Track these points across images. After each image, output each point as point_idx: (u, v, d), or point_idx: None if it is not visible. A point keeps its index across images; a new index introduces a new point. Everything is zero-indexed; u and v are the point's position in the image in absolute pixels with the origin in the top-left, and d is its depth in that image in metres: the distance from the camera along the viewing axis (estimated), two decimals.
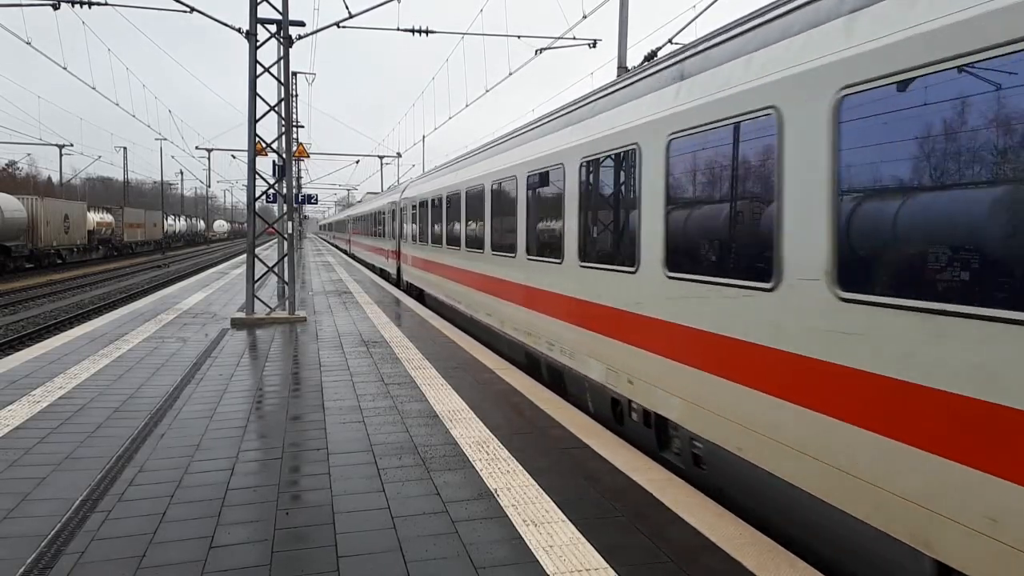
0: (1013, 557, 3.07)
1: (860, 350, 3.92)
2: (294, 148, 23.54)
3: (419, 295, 20.33)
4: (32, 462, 5.95)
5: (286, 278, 16.19)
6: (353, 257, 46.00)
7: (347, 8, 15.95)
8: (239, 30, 14.87)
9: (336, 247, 66.33)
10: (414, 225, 20.20)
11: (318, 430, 6.92)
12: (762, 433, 4.70)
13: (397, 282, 25.13)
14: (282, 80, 15.54)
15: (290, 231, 16.36)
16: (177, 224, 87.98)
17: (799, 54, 4.49)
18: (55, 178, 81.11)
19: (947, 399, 3.40)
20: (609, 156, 7.19)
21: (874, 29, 3.87)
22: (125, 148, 79.24)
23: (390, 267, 27.44)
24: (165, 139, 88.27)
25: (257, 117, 14.96)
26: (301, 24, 16.15)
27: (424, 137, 46.73)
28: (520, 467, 5.84)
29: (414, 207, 20.12)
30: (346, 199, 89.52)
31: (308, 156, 34.92)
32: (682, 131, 5.77)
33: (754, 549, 4.34)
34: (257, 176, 15.20)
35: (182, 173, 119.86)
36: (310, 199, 23.78)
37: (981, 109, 3.30)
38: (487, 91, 21.71)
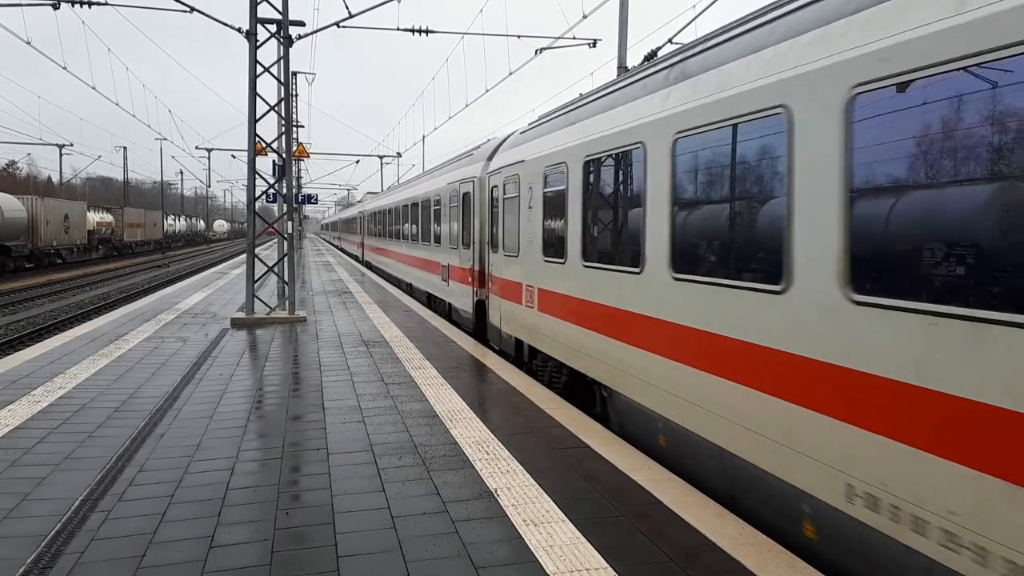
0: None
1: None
2: (294, 148, 23.52)
3: (572, 385, 8.86)
4: (32, 462, 5.95)
5: (286, 278, 16.19)
6: (370, 267, 34.36)
7: (347, 8, 15.95)
8: (239, 30, 14.88)
9: (342, 251, 54.18)
10: (558, 222, 8.85)
11: (318, 430, 6.92)
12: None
13: (477, 328, 13.37)
14: (282, 80, 15.55)
15: (290, 231, 16.36)
16: (177, 224, 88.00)
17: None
18: (55, 178, 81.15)
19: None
20: None
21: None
22: (125, 148, 79.36)
23: (456, 298, 14.96)
24: (165, 139, 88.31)
25: (257, 117, 14.96)
26: (301, 24, 16.15)
27: (424, 137, 46.81)
28: (520, 467, 5.84)
29: (557, 177, 8.85)
30: (346, 199, 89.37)
31: (308, 156, 34.93)
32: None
33: (754, 549, 4.34)
34: (257, 176, 15.21)
35: (182, 173, 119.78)
36: (310, 199, 23.77)
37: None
38: (487, 91, 21.72)
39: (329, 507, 5.00)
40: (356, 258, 42.57)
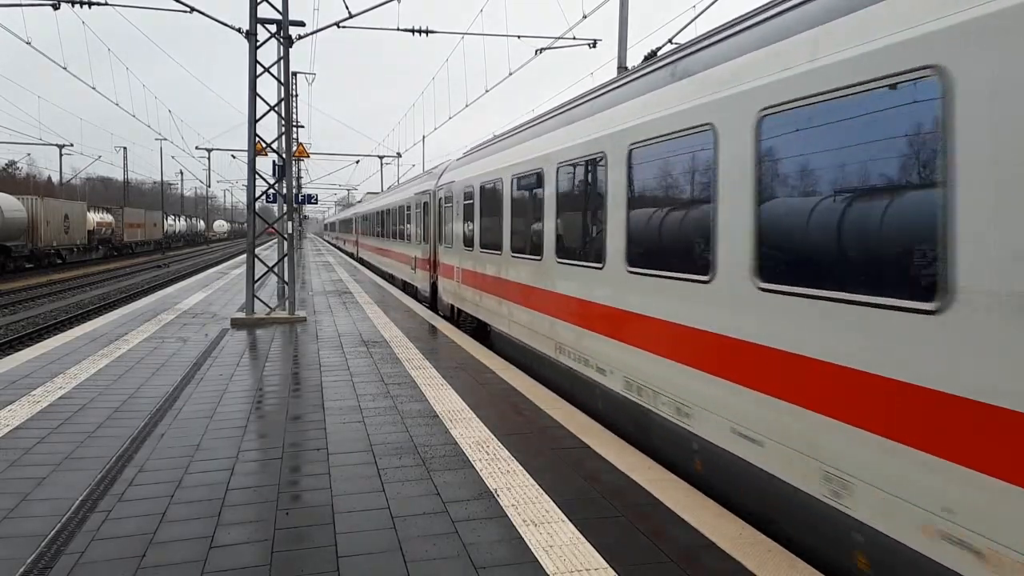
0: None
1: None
2: (294, 148, 23.52)
3: None
4: (32, 462, 5.95)
5: (286, 278, 16.19)
6: (482, 336, 13.26)
7: (347, 8, 15.95)
8: (239, 30, 14.88)
9: (367, 267, 36.06)
10: None
11: (318, 430, 6.92)
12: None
13: None
14: (282, 80, 15.55)
15: (290, 231, 16.36)
16: (177, 224, 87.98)
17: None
18: (55, 178, 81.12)
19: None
20: None
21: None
22: (125, 148, 79.32)
23: None
24: (165, 139, 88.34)
25: (257, 117, 14.96)
26: (301, 24, 16.15)
27: (424, 137, 46.75)
28: (520, 467, 5.84)
29: None
30: (346, 199, 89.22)
31: (308, 156, 34.92)
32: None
33: (754, 549, 4.34)
34: (257, 176, 15.20)
35: (182, 173, 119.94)
36: (310, 199, 23.78)
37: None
38: (487, 91, 21.72)
39: (329, 507, 5.00)
40: (407, 288, 22.56)
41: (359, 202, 55.85)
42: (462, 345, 11.86)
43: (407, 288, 22.45)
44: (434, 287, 17.64)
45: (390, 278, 27.06)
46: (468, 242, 13.31)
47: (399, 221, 23.94)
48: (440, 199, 16.41)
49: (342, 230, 63.20)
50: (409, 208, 21.50)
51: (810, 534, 4.39)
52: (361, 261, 41.44)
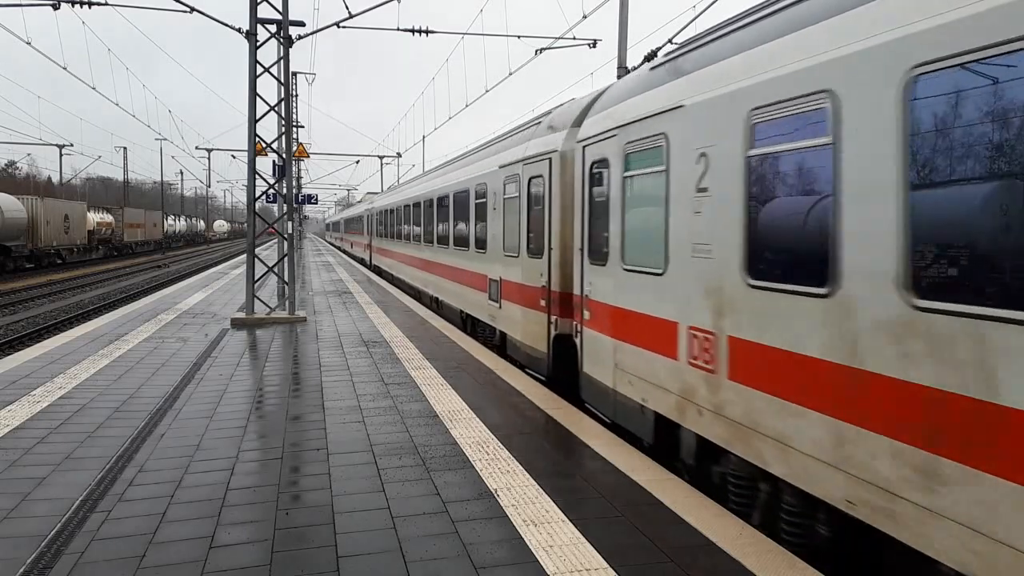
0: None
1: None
2: (294, 148, 23.50)
3: None
4: (32, 462, 5.95)
5: (286, 278, 16.19)
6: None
7: (347, 8, 15.94)
8: (239, 30, 14.88)
9: (371, 269, 33.02)
10: None
11: (318, 430, 6.92)
12: None
13: None
14: (282, 80, 15.55)
15: (290, 231, 16.36)
16: (177, 224, 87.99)
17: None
18: (55, 178, 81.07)
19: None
20: None
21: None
22: (125, 148, 79.28)
23: None
24: (165, 139, 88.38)
25: (257, 117, 14.96)
26: (301, 24, 16.15)
27: (424, 137, 46.74)
28: (520, 467, 5.84)
29: None
30: (346, 199, 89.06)
31: (308, 156, 34.89)
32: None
33: (754, 549, 4.34)
34: (257, 176, 15.20)
35: (182, 173, 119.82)
36: (310, 199, 23.76)
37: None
38: (487, 91, 21.72)
39: (329, 507, 5.00)
40: (473, 329, 14.07)
41: (359, 202, 54.76)
42: (461, 344, 11.83)
43: (472, 328, 13.99)
44: (561, 343, 9.19)
45: (434, 303, 18.06)
46: (798, 263, 4.56)
47: (458, 216, 14.82)
48: (590, 168, 7.87)
49: (348, 230, 48.52)
50: (484, 194, 12.56)
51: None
52: (378, 271, 31.31)
